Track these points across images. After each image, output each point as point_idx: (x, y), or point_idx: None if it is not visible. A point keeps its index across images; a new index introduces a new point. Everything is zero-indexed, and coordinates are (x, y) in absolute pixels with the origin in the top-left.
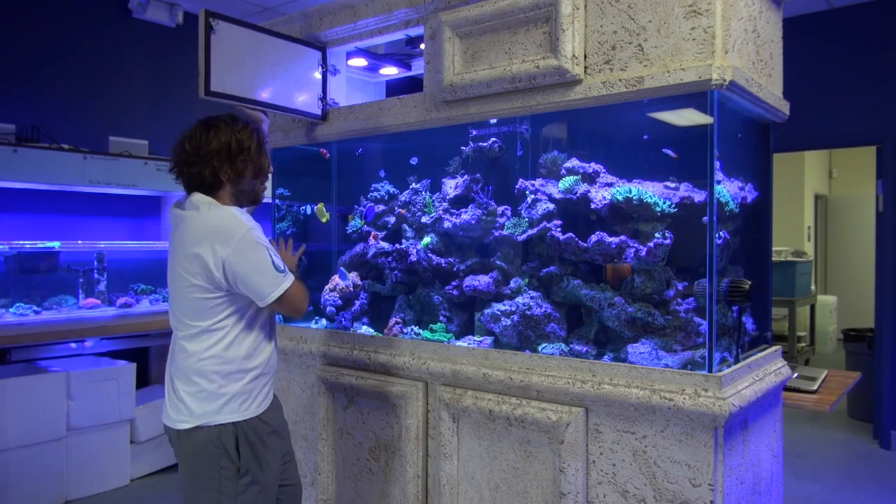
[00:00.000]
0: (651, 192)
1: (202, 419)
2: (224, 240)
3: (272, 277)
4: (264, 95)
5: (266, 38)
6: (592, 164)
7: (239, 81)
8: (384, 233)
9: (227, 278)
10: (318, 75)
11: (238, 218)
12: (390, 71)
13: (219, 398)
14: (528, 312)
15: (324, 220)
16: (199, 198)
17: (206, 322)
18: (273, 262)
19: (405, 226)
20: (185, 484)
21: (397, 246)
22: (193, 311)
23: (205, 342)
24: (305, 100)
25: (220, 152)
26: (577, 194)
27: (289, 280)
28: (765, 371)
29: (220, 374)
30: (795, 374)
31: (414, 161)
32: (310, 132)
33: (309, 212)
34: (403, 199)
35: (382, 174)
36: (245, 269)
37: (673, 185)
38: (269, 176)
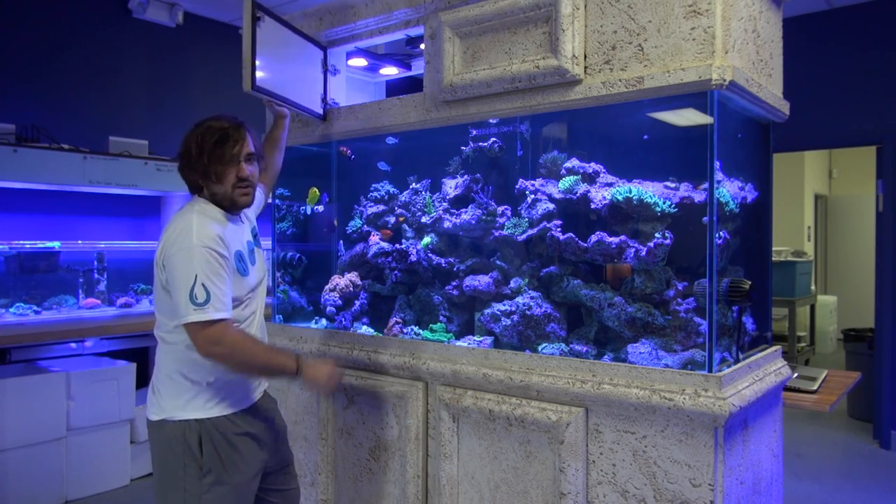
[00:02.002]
0: (651, 192)
1: (168, 413)
2: (172, 242)
3: (183, 304)
4: (283, 91)
5: (288, 34)
6: (592, 164)
7: (268, 77)
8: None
9: (164, 278)
10: (321, 74)
11: (194, 229)
12: (390, 71)
13: (185, 393)
14: (528, 312)
15: (311, 204)
16: (188, 204)
17: (175, 321)
18: (193, 288)
19: (405, 226)
20: (155, 476)
21: (397, 246)
22: (164, 309)
23: (177, 337)
24: (310, 98)
25: (184, 157)
26: (577, 194)
27: (202, 315)
28: (765, 371)
29: (189, 371)
30: (795, 374)
31: (384, 166)
32: (310, 132)
33: (309, 212)
34: (403, 199)
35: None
36: (171, 279)
37: (673, 185)
38: (245, 179)
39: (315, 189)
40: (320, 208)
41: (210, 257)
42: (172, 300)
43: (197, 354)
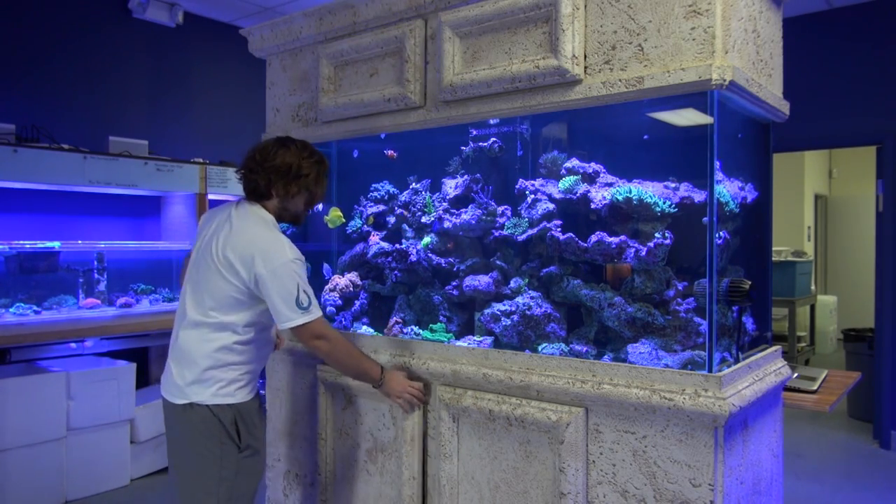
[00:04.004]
0: (651, 192)
1: (197, 397)
2: (266, 259)
3: (290, 308)
4: None
5: None
6: (592, 164)
7: None
8: (384, 233)
9: (259, 289)
10: None
11: (286, 245)
12: None
13: (217, 381)
14: (528, 312)
15: (333, 226)
16: (253, 209)
17: (229, 318)
18: (298, 296)
19: (405, 226)
20: (182, 456)
21: (397, 246)
22: (221, 304)
23: (224, 330)
24: None
25: (279, 169)
26: (577, 194)
27: (310, 317)
28: (765, 371)
29: (226, 362)
30: (795, 374)
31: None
32: (310, 132)
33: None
34: (403, 199)
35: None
36: (274, 290)
37: (673, 185)
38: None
39: (338, 210)
40: (335, 225)
41: (301, 268)
42: (274, 308)
43: (239, 347)
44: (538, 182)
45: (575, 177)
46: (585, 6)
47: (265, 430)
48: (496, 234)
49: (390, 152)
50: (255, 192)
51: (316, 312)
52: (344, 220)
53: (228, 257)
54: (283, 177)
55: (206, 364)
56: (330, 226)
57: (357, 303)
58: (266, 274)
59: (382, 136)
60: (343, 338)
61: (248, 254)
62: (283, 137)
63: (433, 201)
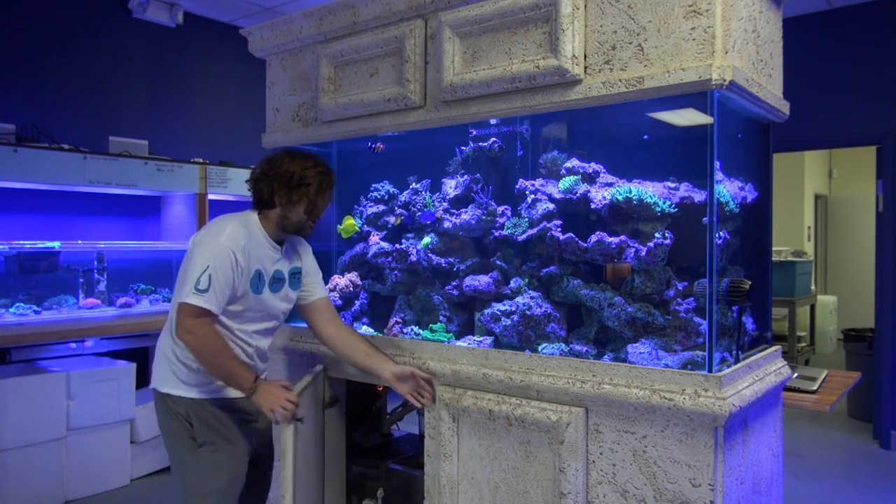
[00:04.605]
0: (651, 192)
1: (161, 385)
2: (206, 234)
3: (187, 283)
4: None
5: None
6: (592, 164)
7: None
8: (384, 233)
9: (185, 264)
10: None
11: (227, 231)
12: None
13: (177, 373)
14: (528, 312)
15: (346, 236)
16: (246, 212)
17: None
18: (201, 276)
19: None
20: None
21: (397, 246)
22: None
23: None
24: None
25: (282, 177)
26: (577, 194)
27: (196, 300)
28: (765, 371)
29: (181, 353)
30: (795, 374)
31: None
32: (310, 132)
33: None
34: (403, 199)
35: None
36: (189, 261)
37: (673, 185)
38: (317, 219)
39: (352, 219)
40: (349, 234)
41: (228, 258)
42: (181, 275)
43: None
44: (538, 182)
45: (575, 177)
46: (585, 6)
47: (243, 425)
48: (496, 234)
49: (377, 145)
50: (260, 201)
51: (206, 302)
52: (358, 229)
53: (190, 245)
54: (285, 184)
55: (164, 351)
56: (343, 235)
57: (357, 303)
58: (193, 244)
59: (389, 135)
60: (218, 338)
61: (198, 233)
62: (293, 148)
63: (433, 201)
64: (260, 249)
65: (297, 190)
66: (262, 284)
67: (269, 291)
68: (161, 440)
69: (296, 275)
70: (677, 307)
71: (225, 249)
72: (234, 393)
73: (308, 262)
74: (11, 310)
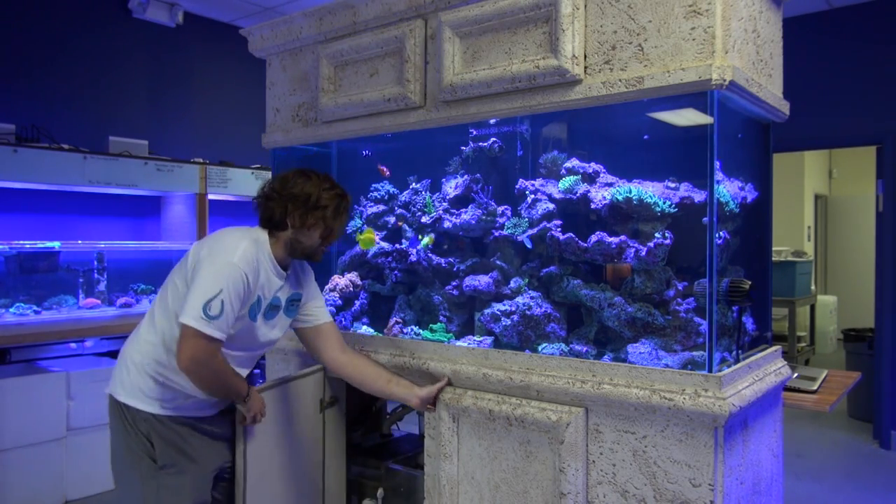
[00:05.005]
0: (651, 192)
1: (124, 397)
2: (218, 249)
3: (196, 303)
4: None
5: None
6: (592, 164)
7: None
8: (384, 233)
9: (189, 275)
10: None
11: (241, 250)
12: None
13: (145, 386)
14: (528, 312)
15: (365, 248)
16: (254, 228)
17: (179, 314)
18: (212, 300)
19: (405, 226)
20: (113, 452)
21: (397, 246)
22: (173, 299)
23: (164, 331)
24: None
25: (297, 198)
26: (577, 194)
27: (204, 328)
28: (765, 371)
29: (157, 367)
30: (795, 374)
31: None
32: (310, 132)
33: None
34: (403, 199)
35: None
36: (199, 277)
37: (673, 185)
38: (330, 245)
39: (372, 232)
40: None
41: (242, 282)
42: (187, 295)
43: (169, 356)
44: (538, 182)
45: (575, 177)
46: (585, 6)
47: (206, 444)
48: (496, 234)
49: (383, 168)
50: (270, 221)
51: (216, 330)
52: (376, 243)
53: (192, 254)
54: (300, 206)
55: (131, 358)
56: (362, 246)
57: (357, 303)
58: (202, 262)
59: (388, 135)
60: (223, 364)
61: (201, 247)
62: (305, 168)
63: (433, 201)
64: (265, 274)
65: (312, 213)
66: (258, 311)
67: (263, 318)
68: None
69: (294, 302)
70: (677, 307)
71: (239, 272)
72: (199, 412)
73: (310, 289)
74: (11, 310)
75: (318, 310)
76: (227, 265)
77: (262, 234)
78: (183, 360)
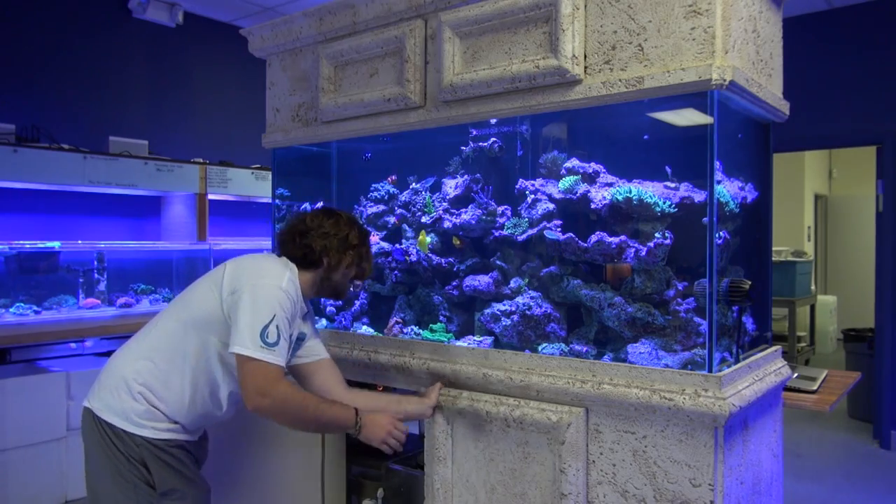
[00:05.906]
0: (651, 192)
1: (115, 418)
2: (254, 276)
3: (251, 333)
4: None
5: None
6: (592, 164)
7: None
8: (384, 233)
9: (233, 304)
10: None
11: (287, 279)
12: None
13: (140, 409)
14: (528, 312)
15: (423, 250)
16: (283, 259)
17: (231, 345)
18: (268, 326)
19: (405, 226)
20: (99, 476)
21: (397, 246)
22: (175, 311)
23: (153, 346)
24: None
25: (336, 236)
26: (577, 194)
27: (267, 356)
28: (765, 371)
29: (155, 389)
30: (795, 374)
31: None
32: (310, 132)
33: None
34: (403, 199)
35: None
36: (245, 306)
37: (673, 185)
38: (359, 284)
39: (424, 235)
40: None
41: (290, 309)
42: (236, 322)
43: (167, 379)
44: (538, 182)
45: (575, 177)
46: (585, 6)
47: (196, 466)
48: (496, 234)
49: (393, 178)
50: (304, 259)
51: (278, 358)
52: (428, 247)
53: (228, 280)
54: (340, 245)
55: (121, 373)
56: (422, 250)
57: (357, 303)
58: (247, 286)
59: (387, 137)
60: (295, 389)
61: (240, 270)
62: (328, 208)
63: (433, 201)
64: (299, 309)
65: (348, 252)
66: None
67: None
68: None
69: (299, 341)
70: (677, 307)
71: (289, 297)
72: (187, 436)
73: (311, 326)
74: (11, 310)
75: (318, 346)
76: (275, 291)
77: (293, 268)
78: (252, 397)
